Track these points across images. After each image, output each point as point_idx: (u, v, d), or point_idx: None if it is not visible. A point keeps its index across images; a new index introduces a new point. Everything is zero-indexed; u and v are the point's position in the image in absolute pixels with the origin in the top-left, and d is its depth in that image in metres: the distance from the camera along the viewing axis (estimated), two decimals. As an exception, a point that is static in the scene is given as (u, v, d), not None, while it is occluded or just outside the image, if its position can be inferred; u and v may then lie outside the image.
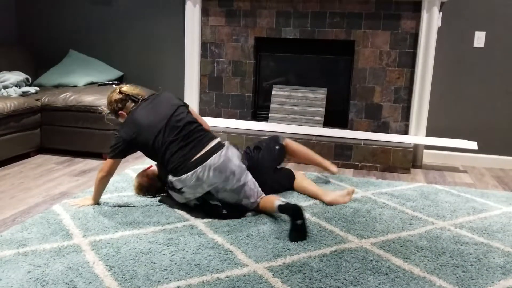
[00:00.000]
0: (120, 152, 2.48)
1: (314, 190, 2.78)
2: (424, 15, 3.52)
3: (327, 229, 2.35)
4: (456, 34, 3.71)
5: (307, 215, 2.52)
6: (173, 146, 2.40)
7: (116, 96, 2.62)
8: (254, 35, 3.93)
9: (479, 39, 3.67)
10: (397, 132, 3.78)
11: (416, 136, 3.69)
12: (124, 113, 2.61)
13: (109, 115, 2.73)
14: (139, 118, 2.49)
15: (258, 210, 2.50)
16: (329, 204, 2.68)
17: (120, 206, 2.57)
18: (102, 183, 2.54)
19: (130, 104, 2.61)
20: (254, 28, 3.92)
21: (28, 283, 1.76)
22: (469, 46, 3.70)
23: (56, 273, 1.83)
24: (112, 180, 3.00)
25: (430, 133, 3.82)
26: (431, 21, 3.52)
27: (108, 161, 2.48)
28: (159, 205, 2.59)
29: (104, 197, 2.69)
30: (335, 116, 3.97)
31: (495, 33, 3.65)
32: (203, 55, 4.07)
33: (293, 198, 2.77)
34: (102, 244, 2.10)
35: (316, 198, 2.75)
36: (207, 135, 2.51)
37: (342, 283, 1.83)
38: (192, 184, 2.37)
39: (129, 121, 2.52)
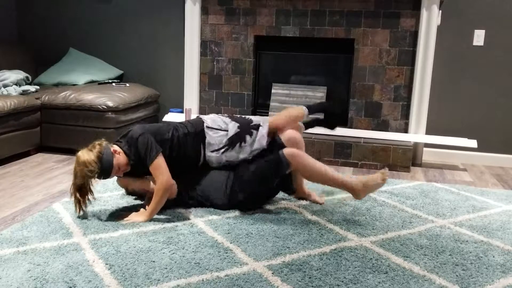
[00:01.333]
0: (155, 144, 2.32)
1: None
2: (424, 13, 3.52)
3: (327, 227, 2.35)
4: (455, 32, 3.71)
5: (306, 213, 2.52)
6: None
7: (96, 147, 2.30)
8: (254, 33, 3.93)
9: (479, 37, 3.67)
10: (397, 130, 3.78)
11: (416, 134, 3.69)
12: (117, 148, 2.36)
13: (101, 176, 2.29)
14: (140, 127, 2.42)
15: None
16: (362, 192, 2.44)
17: (120, 204, 2.57)
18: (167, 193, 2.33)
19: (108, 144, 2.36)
20: (254, 26, 3.92)
21: (28, 281, 1.76)
22: (468, 44, 3.70)
23: (56, 272, 1.83)
24: (112, 178, 3.00)
25: (429, 131, 3.82)
26: (430, 19, 3.52)
27: (160, 167, 2.28)
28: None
29: (104, 196, 2.69)
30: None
31: (494, 31, 3.64)
32: (203, 53, 4.07)
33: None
34: (102, 242, 2.10)
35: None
36: None
37: (342, 281, 1.83)
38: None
39: (130, 137, 2.36)
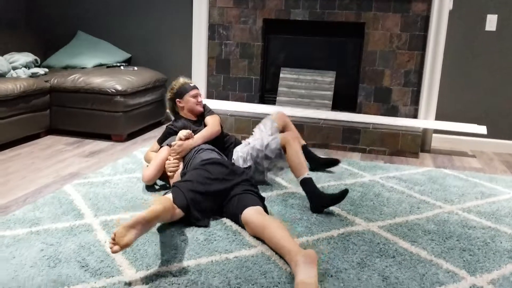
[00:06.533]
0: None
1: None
2: (436, -3, 3.47)
3: (335, 212, 2.36)
4: (467, 17, 3.65)
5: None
6: None
7: (189, 81, 2.93)
8: (263, 17, 3.90)
9: (491, 22, 3.62)
10: (406, 116, 3.76)
11: (425, 120, 3.68)
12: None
13: (177, 94, 2.89)
14: None
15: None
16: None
17: (130, 187, 2.60)
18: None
19: None
20: (263, 9, 3.88)
21: (41, 260, 1.80)
22: (480, 30, 3.65)
23: (69, 251, 1.87)
24: (121, 161, 3.03)
25: (439, 117, 3.80)
26: (442, 3, 3.47)
27: (216, 120, 2.80)
28: (169, 186, 2.62)
29: (114, 178, 2.72)
30: (343, 99, 3.95)
31: (507, 17, 3.59)
32: (210, 37, 4.05)
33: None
34: (113, 223, 2.13)
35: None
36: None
37: (350, 265, 1.85)
38: None
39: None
